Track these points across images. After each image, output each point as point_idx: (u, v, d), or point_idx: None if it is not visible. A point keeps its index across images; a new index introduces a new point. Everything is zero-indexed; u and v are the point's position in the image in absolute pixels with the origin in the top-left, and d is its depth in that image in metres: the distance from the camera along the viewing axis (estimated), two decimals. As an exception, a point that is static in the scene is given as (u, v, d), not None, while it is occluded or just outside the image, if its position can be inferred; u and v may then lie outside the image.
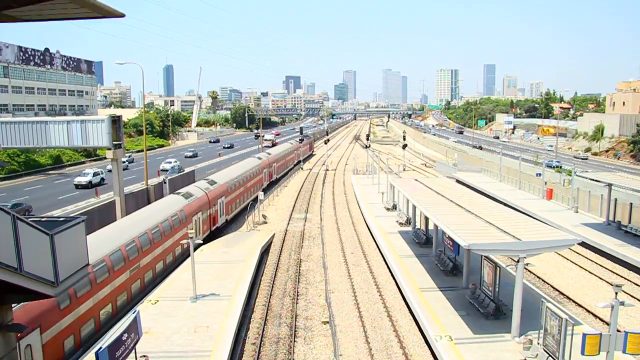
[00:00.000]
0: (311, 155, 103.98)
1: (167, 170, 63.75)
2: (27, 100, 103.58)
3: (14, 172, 65.78)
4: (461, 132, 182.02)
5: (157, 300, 23.73)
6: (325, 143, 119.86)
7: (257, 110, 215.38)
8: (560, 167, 65.00)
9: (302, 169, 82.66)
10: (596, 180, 41.10)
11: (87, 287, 19.53)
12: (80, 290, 19.01)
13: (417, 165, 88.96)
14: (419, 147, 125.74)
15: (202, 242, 30.26)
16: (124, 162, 64.97)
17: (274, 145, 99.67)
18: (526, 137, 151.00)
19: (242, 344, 21.35)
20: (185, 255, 29.95)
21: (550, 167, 66.85)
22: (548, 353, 17.34)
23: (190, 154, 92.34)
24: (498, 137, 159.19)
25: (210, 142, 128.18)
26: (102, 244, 22.27)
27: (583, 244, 33.80)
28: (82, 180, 55.31)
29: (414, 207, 35.73)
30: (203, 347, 19.14)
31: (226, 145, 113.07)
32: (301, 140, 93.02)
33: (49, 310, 17.00)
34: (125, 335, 14.48)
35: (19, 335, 17.48)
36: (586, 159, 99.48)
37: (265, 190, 55.65)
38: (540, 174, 52.78)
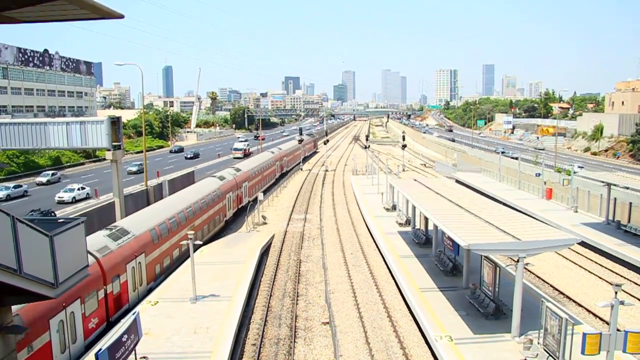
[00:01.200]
0: (315, 153, 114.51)
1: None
2: (26, 101, 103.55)
3: (13, 174, 65.72)
4: (450, 130, 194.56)
5: (157, 302, 23.72)
6: (325, 144, 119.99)
7: (256, 111, 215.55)
8: (517, 157, 68.02)
9: (301, 169, 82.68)
10: (595, 180, 41.13)
11: (166, 234, 28.03)
12: (163, 235, 27.76)
13: (416, 165, 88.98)
14: (418, 148, 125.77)
15: (201, 243, 30.36)
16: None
17: (246, 155, 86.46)
18: (525, 137, 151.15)
19: (242, 344, 21.34)
20: (219, 224, 39.70)
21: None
22: (548, 353, 17.34)
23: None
24: (497, 135, 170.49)
25: (171, 152, 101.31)
26: (171, 206, 31.80)
27: (583, 244, 33.81)
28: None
29: (414, 208, 35.73)
30: (203, 348, 19.13)
31: (188, 155, 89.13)
32: (301, 141, 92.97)
33: (150, 243, 26.12)
34: (125, 336, 14.47)
35: (136, 255, 24.62)
36: (543, 149, 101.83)
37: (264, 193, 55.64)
38: (539, 174, 52.82)
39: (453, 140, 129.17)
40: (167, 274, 28.02)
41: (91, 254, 20.30)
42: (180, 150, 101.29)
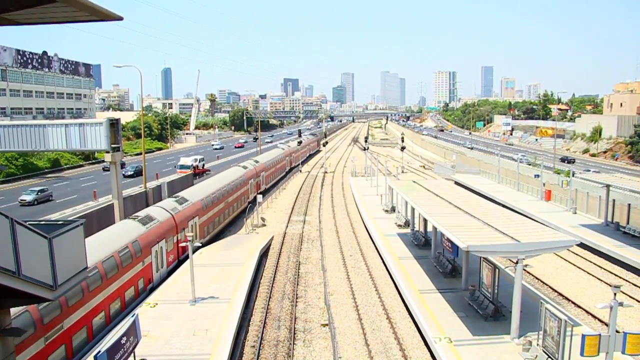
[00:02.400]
0: (318, 151, 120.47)
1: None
2: (25, 103, 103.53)
3: (12, 176, 65.71)
4: (442, 130, 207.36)
5: (156, 304, 23.68)
6: (324, 145, 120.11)
7: (255, 113, 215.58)
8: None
9: (300, 171, 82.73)
10: (594, 182, 41.17)
11: (210, 205, 36.40)
12: (209, 205, 36.03)
13: (415, 167, 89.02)
14: (417, 149, 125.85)
15: (200, 244, 30.52)
16: (132, 173, 65.88)
17: (198, 174, 65.92)
18: (524, 139, 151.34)
19: (241, 346, 21.31)
20: (244, 204, 47.40)
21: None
22: (547, 354, 17.33)
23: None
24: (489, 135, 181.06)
25: (104, 169, 70.56)
26: (212, 185, 40.81)
27: (581, 245, 33.81)
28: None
29: (413, 209, 35.74)
30: (202, 350, 19.10)
31: (128, 173, 66.81)
32: (300, 142, 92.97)
33: (201, 209, 34.19)
34: (124, 338, 14.44)
35: (193, 216, 32.08)
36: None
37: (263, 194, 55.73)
38: (538, 176, 52.85)
39: (436, 137, 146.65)
40: (210, 235, 36.99)
41: (167, 211, 30.05)
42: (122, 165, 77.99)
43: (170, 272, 28.49)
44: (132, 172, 66.68)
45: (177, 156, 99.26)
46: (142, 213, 28.71)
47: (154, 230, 27.08)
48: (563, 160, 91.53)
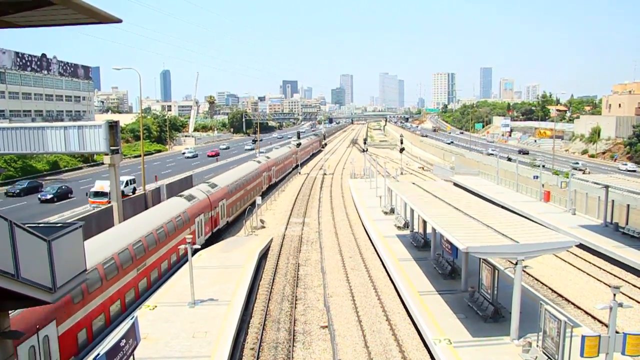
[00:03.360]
0: (320, 151, 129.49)
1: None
2: (24, 106, 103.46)
3: (10, 178, 65.59)
4: (435, 130, 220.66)
5: (156, 306, 23.65)
6: (323, 147, 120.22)
7: (254, 115, 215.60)
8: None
9: (299, 173, 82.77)
10: (593, 182, 41.21)
11: (233, 190, 43.99)
12: (234, 190, 43.70)
13: (414, 168, 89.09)
14: (416, 151, 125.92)
15: (200, 247, 30.45)
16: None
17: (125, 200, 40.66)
18: (523, 140, 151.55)
19: (240, 349, 21.28)
20: (258, 193, 54.95)
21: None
22: (547, 355, 17.33)
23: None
24: (462, 133, 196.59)
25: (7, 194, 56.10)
26: (235, 175, 49.54)
27: (581, 246, 33.83)
28: (47, 196, 50.25)
29: (412, 211, 35.73)
30: (202, 352, 19.07)
31: (47, 197, 51.30)
32: (299, 144, 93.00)
33: (227, 193, 41.67)
34: (124, 341, 14.41)
35: (221, 199, 40.08)
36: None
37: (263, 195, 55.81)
38: (537, 177, 52.91)
39: (425, 136, 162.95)
40: (233, 216, 44.86)
41: (204, 192, 37.60)
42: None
43: (207, 240, 36.20)
44: (51, 196, 50.98)
45: (175, 158, 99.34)
46: (185, 192, 36.73)
47: (196, 205, 34.96)
48: (520, 152, 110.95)
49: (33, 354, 14.96)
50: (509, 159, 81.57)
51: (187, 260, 24.18)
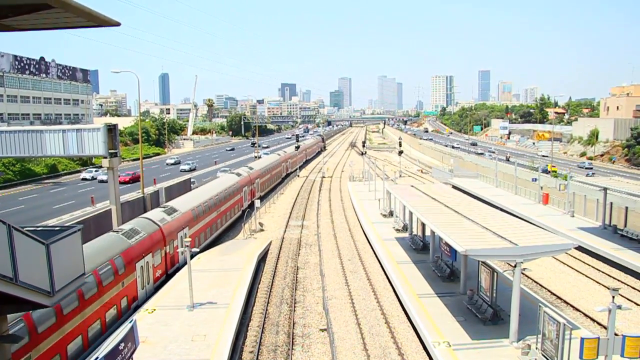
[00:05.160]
0: (323, 150, 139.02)
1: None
2: (22, 109, 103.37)
3: (9, 181, 65.52)
4: (426, 131, 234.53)
5: (154, 309, 23.60)
6: (322, 150, 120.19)
7: (253, 118, 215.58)
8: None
9: (298, 176, 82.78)
10: (592, 185, 41.26)
11: (203, 214, 36.52)
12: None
13: (413, 171, 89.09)
14: (415, 154, 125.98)
15: (198, 250, 30.44)
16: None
17: None
18: (522, 142, 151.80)
19: (239, 352, 21.24)
20: (278, 179, 70.07)
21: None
22: (546, 358, 17.32)
23: None
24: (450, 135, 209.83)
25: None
26: (263, 162, 65.48)
27: (579, 248, 33.84)
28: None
29: (411, 214, 35.72)
30: (200, 356, 19.03)
31: None
32: (297, 147, 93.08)
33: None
34: (122, 344, 14.36)
35: (255, 179, 55.26)
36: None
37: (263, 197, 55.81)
38: (536, 179, 52.96)
39: (415, 135, 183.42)
40: (264, 194, 57.64)
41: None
42: None
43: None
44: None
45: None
46: (235, 171, 49.70)
47: (244, 179, 46.57)
48: (472, 144, 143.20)
49: None
50: (472, 152, 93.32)
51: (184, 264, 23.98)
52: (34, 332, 15.80)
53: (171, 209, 32.10)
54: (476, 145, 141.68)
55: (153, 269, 26.91)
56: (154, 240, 27.24)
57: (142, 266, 25.26)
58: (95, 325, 19.97)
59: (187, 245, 23.43)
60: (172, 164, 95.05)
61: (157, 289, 27.02)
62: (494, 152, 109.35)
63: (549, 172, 72.02)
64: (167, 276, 29.03)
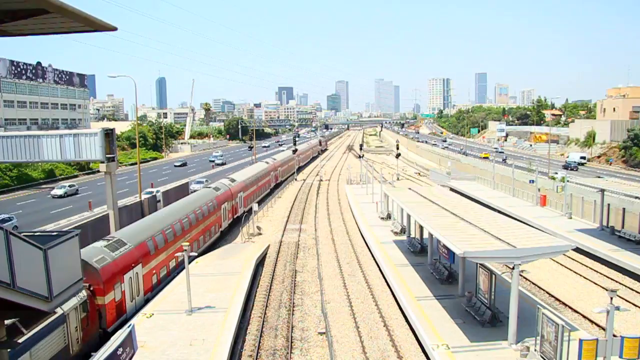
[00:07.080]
0: (326, 149, 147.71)
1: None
2: (19, 114, 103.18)
3: (6, 187, 65.40)
4: (417, 132, 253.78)
5: (152, 314, 23.55)
6: (321, 152, 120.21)
7: (250, 121, 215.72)
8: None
9: (295, 179, 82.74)
10: (589, 186, 41.36)
11: (249, 185, 51.05)
12: (236, 194, 46.51)
13: (410, 174, 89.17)
14: (412, 156, 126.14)
15: (196, 254, 30.37)
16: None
17: None
18: (519, 144, 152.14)
19: (238, 356, 21.20)
20: (271, 188, 67.73)
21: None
22: (545, 359, 17.33)
23: None
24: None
25: None
26: (256, 169, 61.74)
27: (577, 250, 33.92)
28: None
29: (409, 216, 35.74)
30: (199, 360, 18.97)
31: None
32: (295, 151, 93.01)
33: (245, 186, 50.95)
34: (120, 349, 14.33)
35: (248, 186, 53.26)
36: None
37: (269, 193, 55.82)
38: (533, 181, 53.05)
39: (407, 134, 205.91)
40: (248, 206, 49.73)
41: (226, 185, 45.65)
42: None
43: (229, 225, 43.58)
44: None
45: (171, 165, 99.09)
46: (212, 185, 44.34)
47: (223, 194, 42.34)
48: (444, 140, 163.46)
49: None
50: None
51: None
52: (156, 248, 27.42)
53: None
54: (445, 141, 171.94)
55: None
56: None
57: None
58: None
59: (186, 250, 23.39)
60: (179, 166, 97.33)
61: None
62: (502, 153, 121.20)
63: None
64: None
